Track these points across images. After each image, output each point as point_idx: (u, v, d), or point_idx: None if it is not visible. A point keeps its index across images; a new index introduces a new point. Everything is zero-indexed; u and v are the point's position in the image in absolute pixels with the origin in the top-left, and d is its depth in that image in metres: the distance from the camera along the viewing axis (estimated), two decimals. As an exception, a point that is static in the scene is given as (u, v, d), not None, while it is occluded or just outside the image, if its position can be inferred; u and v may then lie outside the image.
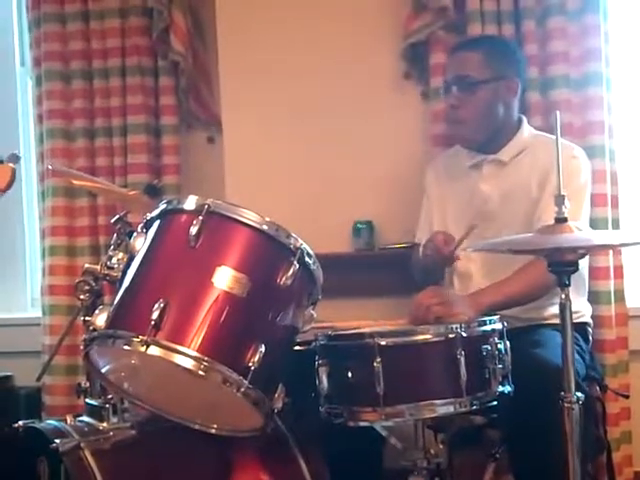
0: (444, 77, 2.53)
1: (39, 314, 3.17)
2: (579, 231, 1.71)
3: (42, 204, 3.18)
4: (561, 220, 1.68)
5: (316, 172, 2.98)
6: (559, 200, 1.68)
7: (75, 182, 2.38)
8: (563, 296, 1.67)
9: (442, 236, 2.28)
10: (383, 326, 2.01)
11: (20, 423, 2.01)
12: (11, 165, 1.99)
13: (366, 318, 2.16)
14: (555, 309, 2.15)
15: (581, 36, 2.72)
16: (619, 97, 2.81)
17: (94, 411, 1.99)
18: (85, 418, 2.00)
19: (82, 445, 1.83)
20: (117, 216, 2.08)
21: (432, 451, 1.96)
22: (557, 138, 1.69)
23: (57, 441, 1.81)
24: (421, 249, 2.41)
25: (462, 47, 2.52)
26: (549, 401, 1.69)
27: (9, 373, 3.04)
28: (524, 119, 2.52)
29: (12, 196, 3.15)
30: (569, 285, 1.67)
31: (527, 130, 2.50)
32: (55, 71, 3.12)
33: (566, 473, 1.67)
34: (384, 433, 1.98)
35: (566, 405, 1.65)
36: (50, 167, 2.91)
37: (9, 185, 1.99)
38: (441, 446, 2.03)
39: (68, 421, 1.98)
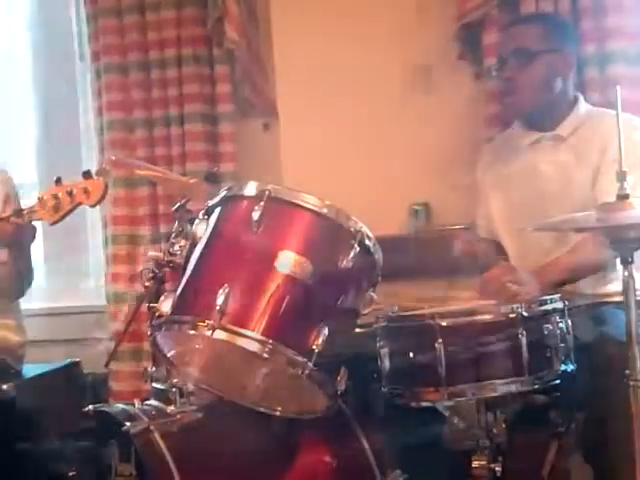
0: (498, 52, 2.50)
1: (104, 302, 3.24)
2: (642, 207, 1.69)
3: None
4: (623, 197, 1.66)
5: (372, 155, 2.99)
6: (621, 176, 1.66)
7: (137, 171, 2.43)
8: (626, 273, 1.66)
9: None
10: (450, 302, 2.02)
11: (90, 407, 2.06)
12: (101, 179, 2.02)
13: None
14: (616, 286, 2.16)
15: (638, 9, 2.67)
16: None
17: (161, 395, 2.04)
18: (152, 402, 2.05)
19: (151, 427, 1.88)
20: (178, 204, 2.11)
21: (494, 431, 1.97)
22: (618, 113, 1.68)
23: (127, 424, 1.86)
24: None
25: (518, 22, 2.53)
26: (615, 380, 1.68)
27: (77, 359, 3.11)
28: (580, 96, 2.50)
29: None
30: (632, 262, 1.66)
31: (584, 106, 2.48)
32: (113, 64, 3.17)
33: (632, 453, 1.66)
34: (446, 413, 1.99)
35: (632, 384, 1.64)
36: (113, 158, 2.96)
37: (101, 199, 2.03)
38: (503, 426, 2.03)
39: (136, 405, 2.02)
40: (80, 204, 2.03)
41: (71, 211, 2.04)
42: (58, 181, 2.04)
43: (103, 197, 2.03)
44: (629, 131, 2.18)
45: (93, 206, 2.04)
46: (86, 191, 2.02)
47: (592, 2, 2.71)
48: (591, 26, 2.70)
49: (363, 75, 2.97)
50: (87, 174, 2.03)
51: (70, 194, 2.01)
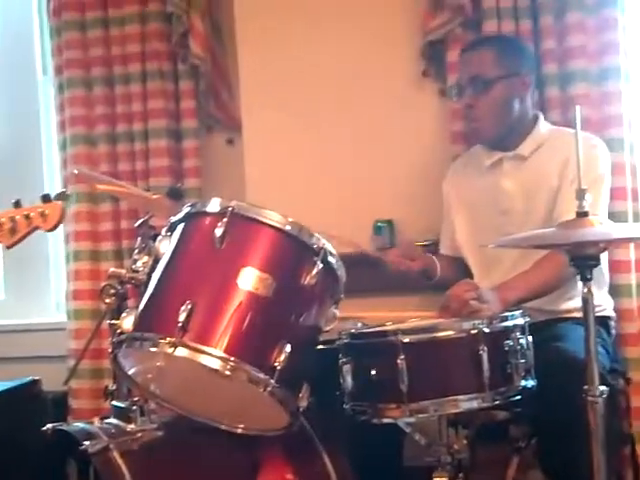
0: (457, 79, 2.53)
1: (64, 319, 3.21)
2: (600, 225, 1.72)
3: (66, 209, 3.20)
4: (582, 214, 1.69)
5: (336, 172, 3.00)
6: (580, 194, 1.68)
7: (100, 187, 2.41)
8: (585, 290, 1.68)
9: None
10: (410, 320, 2.03)
11: (49, 426, 2.03)
12: (60, 203, 2.00)
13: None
14: (576, 302, 2.19)
15: (599, 30, 2.71)
16: (638, 90, 2.80)
17: (121, 413, 2.01)
18: (112, 420, 2.03)
19: (111, 446, 1.86)
20: (141, 220, 2.10)
21: (455, 447, 1.97)
22: (577, 132, 1.70)
23: (86, 443, 1.84)
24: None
25: (472, 47, 2.53)
26: (573, 395, 1.70)
27: (36, 377, 3.07)
28: (540, 115, 2.54)
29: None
30: (591, 279, 1.68)
31: (544, 125, 2.51)
32: (77, 78, 3.15)
33: (591, 466, 1.67)
34: (408, 429, 2.00)
35: (590, 399, 1.66)
36: (76, 172, 2.93)
37: (57, 224, 2.01)
38: (464, 442, 2.04)
39: (96, 423, 2.00)
40: (37, 228, 2.00)
41: (28, 235, 2.01)
42: (17, 204, 2.02)
43: (60, 222, 2.01)
44: (588, 150, 2.22)
45: (49, 230, 2.01)
46: (43, 215, 1.99)
47: (553, 22, 2.74)
48: (552, 46, 2.74)
49: (327, 92, 2.99)
50: (46, 198, 2.01)
51: (27, 217, 1.99)
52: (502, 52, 2.46)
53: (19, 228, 2.00)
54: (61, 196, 2.01)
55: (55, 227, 2.00)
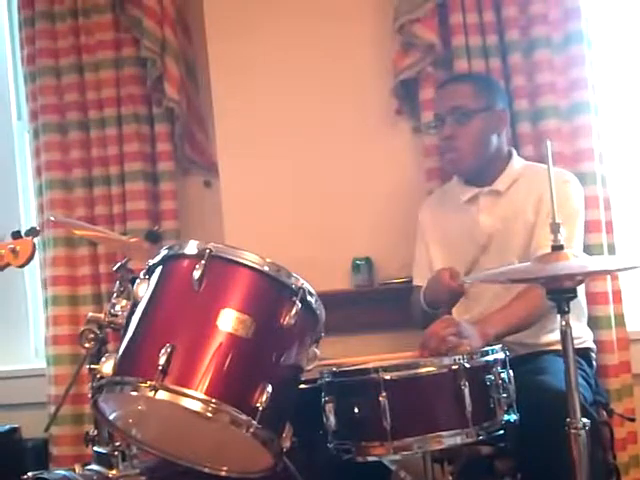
0: (435, 111, 2.57)
1: (43, 365, 3.18)
2: (575, 258, 1.74)
3: (43, 254, 3.20)
4: (557, 247, 1.71)
5: (312, 211, 3.01)
6: (555, 228, 1.70)
7: (77, 232, 2.40)
8: (563, 323, 1.69)
9: (447, 272, 2.28)
10: (389, 360, 2.03)
11: (29, 474, 2.00)
12: (31, 239, 2.00)
13: (369, 354, 2.17)
14: (556, 335, 2.18)
15: (567, 66, 2.77)
16: (608, 123, 2.85)
17: (102, 459, 1.98)
18: (94, 466, 2.00)
19: (92, 494, 1.84)
20: (119, 264, 2.09)
21: (441, 483, 1.97)
22: (549, 167, 1.73)
23: (68, 491, 1.82)
24: (422, 294, 2.41)
25: (452, 81, 2.60)
26: (555, 427, 1.70)
27: (15, 425, 3.03)
28: (514, 151, 2.57)
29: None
30: (569, 312, 1.69)
31: (518, 161, 2.55)
32: (52, 123, 3.16)
33: (577, 499, 1.68)
34: (392, 467, 1.99)
35: (572, 431, 1.67)
36: (52, 218, 2.93)
37: (29, 260, 2.00)
38: (450, 478, 2.04)
39: (77, 470, 1.97)
40: (8, 265, 2.00)
41: None
42: None
43: (31, 257, 2.00)
44: (561, 185, 2.26)
45: (21, 266, 2.01)
46: (14, 251, 1.99)
47: (522, 60, 2.80)
48: (522, 83, 2.79)
49: (302, 132, 3.02)
50: (16, 234, 2.01)
51: None
52: (480, 87, 2.52)
53: None
54: (31, 232, 2.02)
55: (27, 263, 2.00)
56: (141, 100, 3.13)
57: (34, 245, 2.00)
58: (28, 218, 3.42)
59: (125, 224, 3.10)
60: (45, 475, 1.99)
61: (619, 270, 2.29)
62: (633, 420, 2.59)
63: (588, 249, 2.56)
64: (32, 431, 3.03)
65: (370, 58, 2.99)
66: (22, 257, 1.99)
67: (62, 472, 1.97)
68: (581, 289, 2.42)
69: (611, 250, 2.72)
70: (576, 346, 1.74)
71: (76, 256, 3.15)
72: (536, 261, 1.78)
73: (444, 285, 2.27)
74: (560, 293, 1.70)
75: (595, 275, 2.42)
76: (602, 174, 2.76)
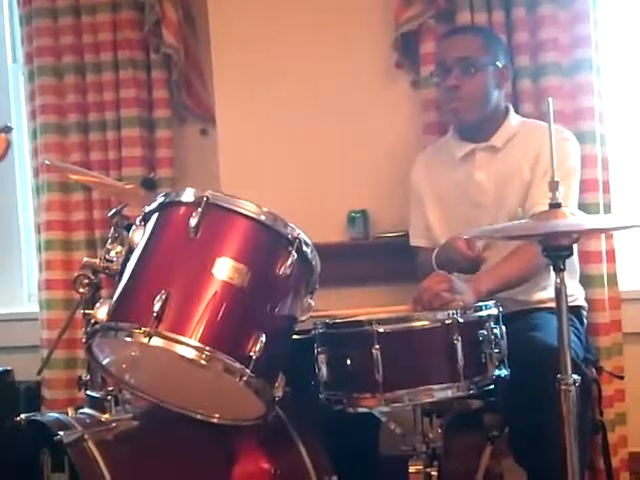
0: (439, 60, 2.52)
1: (36, 309, 3.18)
2: (572, 216, 1.73)
3: (37, 199, 3.19)
4: (555, 205, 1.70)
5: (309, 162, 3.00)
6: (553, 185, 1.70)
7: (72, 176, 2.39)
8: (558, 280, 1.70)
9: (463, 242, 2.22)
10: (382, 313, 2.03)
11: (22, 416, 2.02)
12: (4, 135, 2.01)
13: (363, 306, 2.18)
14: (549, 293, 2.21)
15: (571, 23, 2.74)
16: (609, 83, 2.83)
17: (95, 403, 2.00)
18: (86, 410, 2.02)
19: (86, 436, 1.85)
20: (114, 210, 2.09)
21: (430, 435, 1.99)
22: (550, 124, 1.71)
23: (61, 433, 1.83)
24: (433, 259, 2.38)
25: (461, 31, 2.60)
26: (546, 383, 1.71)
27: (8, 368, 3.05)
28: (510, 107, 2.56)
29: (7, 191, 3.17)
30: (564, 269, 1.70)
31: (514, 117, 2.53)
32: (47, 66, 3.12)
33: (563, 454, 1.70)
34: (383, 419, 2.01)
35: (563, 387, 1.68)
36: (47, 162, 2.91)
37: (3, 156, 2.01)
38: (439, 431, 2.06)
39: (70, 413, 1.99)
40: None
41: None
42: None
43: (6, 153, 2.01)
44: (560, 143, 2.24)
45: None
46: None
47: (526, 15, 2.76)
48: (525, 38, 2.76)
49: (301, 82, 2.99)
50: None
51: None
52: (488, 41, 2.50)
53: None
54: (5, 129, 2.02)
55: (2, 157, 2.01)
56: (138, 45, 3.09)
57: (8, 141, 2.02)
58: (22, 160, 3.40)
59: (120, 170, 3.08)
60: (38, 417, 2.01)
61: (617, 229, 2.29)
62: (622, 378, 2.61)
63: (584, 208, 2.56)
64: (25, 374, 3.05)
65: (371, 10, 2.95)
66: None
67: (55, 415, 2.00)
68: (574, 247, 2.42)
69: (607, 209, 2.72)
70: (568, 304, 1.74)
71: (70, 201, 3.13)
72: (533, 218, 1.78)
73: (462, 256, 2.21)
74: (556, 251, 1.70)
75: (592, 233, 2.41)
76: (601, 133, 2.74)
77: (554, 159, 1.71)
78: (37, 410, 2.93)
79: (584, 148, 2.55)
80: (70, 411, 2.00)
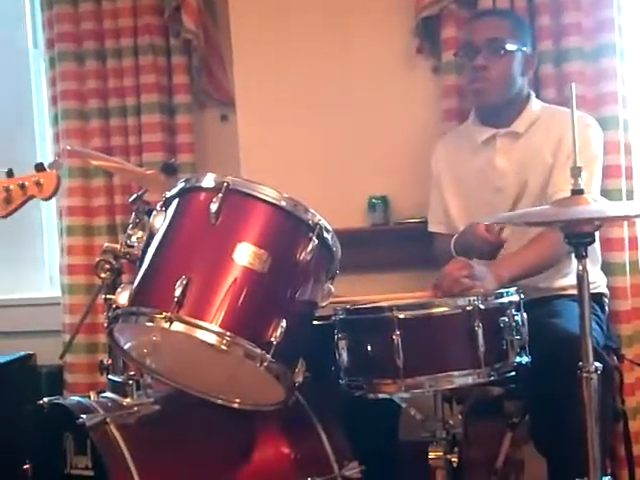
0: (468, 40, 2.50)
1: (58, 293, 3.21)
2: (595, 202, 1.72)
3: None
4: (578, 192, 1.69)
5: (330, 148, 2.99)
6: (575, 172, 1.69)
7: (93, 162, 2.40)
8: (580, 267, 1.69)
9: (482, 226, 2.20)
10: (403, 299, 2.03)
11: (45, 400, 2.04)
12: (55, 172, 2.00)
13: (383, 292, 2.17)
14: (571, 280, 2.20)
15: (594, 7, 2.70)
16: (633, 68, 2.79)
17: (117, 387, 2.02)
18: (108, 394, 2.03)
19: (108, 420, 1.87)
20: (135, 195, 2.10)
21: (450, 422, 1.99)
22: (573, 110, 1.70)
23: (83, 416, 1.85)
24: (452, 246, 2.37)
25: (491, 13, 2.59)
26: (568, 371, 1.71)
27: (31, 352, 3.08)
28: (532, 93, 2.54)
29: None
30: (586, 256, 1.69)
31: (536, 103, 2.51)
32: (68, 52, 3.13)
33: (585, 442, 1.69)
34: (403, 405, 2.01)
35: (584, 375, 1.67)
36: (69, 148, 2.92)
37: (54, 193, 2.01)
38: (459, 417, 2.06)
39: (92, 397, 2.01)
40: (33, 197, 2.00)
41: (23, 204, 2.01)
42: (9, 173, 2.01)
43: (56, 190, 2.01)
44: (582, 129, 2.22)
45: (46, 199, 2.01)
46: (39, 184, 1.99)
47: (548, -1, 2.74)
48: (547, 23, 2.73)
49: (321, 68, 2.98)
50: (40, 166, 2.00)
51: (22, 187, 1.99)
52: (517, 26, 2.48)
53: (14, 198, 2.00)
54: (55, 165, 2.01)
55: (52, 195, 2.01)
56: (158, 31, 3.09)
57: (59, 178, 2.01)
58: (43, 147, 3.42)
59: (141, 156, 3.09)
60: (60, 401, 2.03)
61: (638, 216, 2.27)
62: (644, 366, 2.60)
63: (607, 194, 2.53)
64: (47, 358, 3.07)
65: (392, -5, 2.93)
66: (47, 190, 1.99)
67: (77, 398, 2.02)
68: (596, 234, 2.40)
69: (629, 196, 2.70)
70: (590, 291, 1.73)
71: (92, 187, 3.15)
72: (555, 204, 1.77)
73: (483, 240, 2.20)
74: (578, 238, 1.69)
75: (614, 220, 2.39)
76: (624, 118, 2.71)
77: (577, 145, 1.70)
78: (59, 394, 2.96)
79: (607, 134, 2.52)
80: (92, 395, 2.02)
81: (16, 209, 2.01)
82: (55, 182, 1.98)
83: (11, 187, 1.99)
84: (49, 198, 2.01)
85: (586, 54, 2.72)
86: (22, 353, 3.05)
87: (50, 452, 2.01)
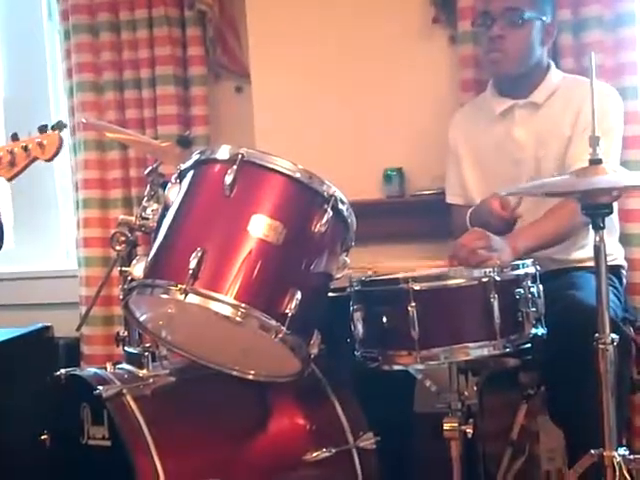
0: (485, 9, 2.46)
1: (74, 266, 3.22)
2: (613, 172, 1.70)
3: (74, 157, 3.21)
4: (596, 162, 1.67)
5: (345, 120, 2.97)
6: (594, 141, 1.67)
7: (108, 135, 2.40)
8: (597, 238, 1.67)
9: (497, 201, 2.20)
10: (420, 269, 2.02)
11: (62, 371, 2.06)
12: (57, 133, 2.00)
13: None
14: (588, 252, 2.18)
15: (613, -25, 2.67)
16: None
17: (133, 359, 2.04)
18: (125, 366, 2.05)
19: (124, 391, 1.88)
20: (150, 168, 2.10)
21: (466, 393, 1.99)
22: (592, 80, 1.68)
23: (100, 387, 1.86)
24: (468, 218, 2.36)
25: None
26: (584, 342, 1.70)
27: (48, 324, 3.10)
28: (552, 63, 2.50)
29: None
30: (604, 227, 1.67)
31: (556, 73, 2.48)
32: (83, 24, 3.12)
33: (600, 413, 1.69)
34: (418, 376, 2.01)
35: (601, 346, 1.67)
36: (84, 120, 2.92)
37: (56, 154, 2.01)
38: (474, 389, 2.06)
39: (108, 369, 2.03)
40: (36, 159, 2.00)
41: (27, 166, 2.02)
42: (14, 137, 2.02)
43: (59, 151, 2.00)
44: (602, 99, 2.19)
45: (48, 160, 2.01)
46: (41, 145, 1.99)
47: (568, -34, 2.69)
48: (566, -9, 2.69)
49: (336, 39, 2.95)
50: (43, 128, 2.00)
51: (25, 149, 1.99)
52: None
53: (18, 160, 2.00)
54: (58, 125, 2.01)
55: (54, 157, 2.01)
56: (173, 2, 3.07)
57: (61, 138, 2.00)
58: (59, 119, 3.41)
59: (156, 128, 3.08)
60: (78, 372, 2.05)
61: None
62: (661, 338, 2.58)
63: (625, 165, 2.50)
64: (64, 330, 3.09)
65: (408, -36, 2.90)
66: (49, 151, 1.99)
67: (94, 370, 2.03)
68: (614, 205, 2.38)
69: (649, 166, 2.67)
70: (607, 263, 1.72)
71: (107, 159, 3.15)
72: (573, 175, 1.75)
73: (497, 216, 2.19)
74: (596, 208, 1.67)
75: (633, 191, 2.36)
76: (644, 88, 2.68)
77: (595, 115, 1.67)
78: (76, 366, 2.98)
79: (626, 104, 2.48)
80: (109, 366, 2.05)
81: (20, 171, 2.02)
82: (57, 143, 1.99)
83: (15, 150, 2.00)
84: (51, 159, 2.01)
85: (605, 23, 2.67)
86: (39, 325, 3.06)
87: (67, 423, 2.03)
